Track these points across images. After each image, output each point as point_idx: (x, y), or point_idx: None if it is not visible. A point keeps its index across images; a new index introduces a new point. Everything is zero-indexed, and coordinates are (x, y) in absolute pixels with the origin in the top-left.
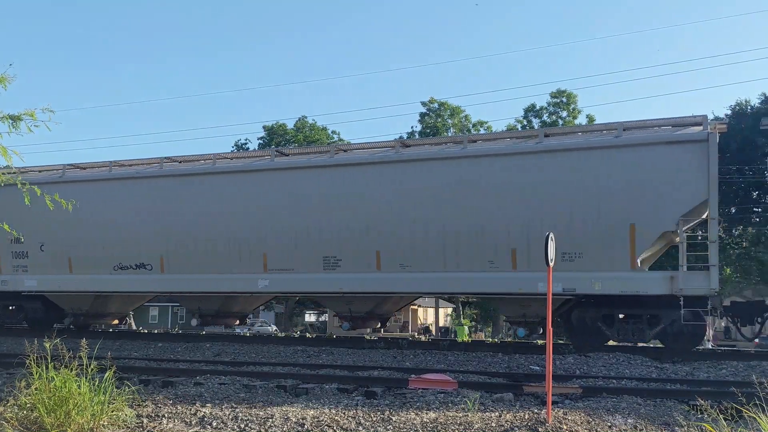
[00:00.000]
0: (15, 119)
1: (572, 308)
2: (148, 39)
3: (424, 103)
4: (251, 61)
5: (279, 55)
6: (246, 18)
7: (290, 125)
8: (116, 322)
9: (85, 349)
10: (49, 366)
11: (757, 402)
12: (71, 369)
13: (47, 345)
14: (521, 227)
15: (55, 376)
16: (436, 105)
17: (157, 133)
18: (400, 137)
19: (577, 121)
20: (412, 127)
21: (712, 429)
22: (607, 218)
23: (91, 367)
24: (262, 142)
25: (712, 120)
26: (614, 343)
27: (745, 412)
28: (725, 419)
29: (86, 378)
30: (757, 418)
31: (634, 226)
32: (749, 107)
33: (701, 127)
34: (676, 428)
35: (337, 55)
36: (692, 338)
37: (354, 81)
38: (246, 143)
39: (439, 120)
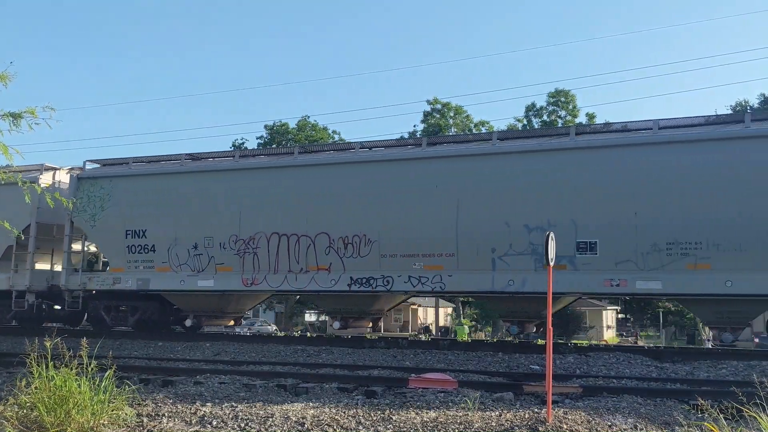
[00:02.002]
0: (16, 117)
1: None
2: (147, 38)
3: (429, 102)
4: (250, 61)
5: (278, 55)
6: (245, 18)
7: (290, 125)
8: (232, 322)
9: (86, 348)
10: (50, 365)
11: (758, 401)
12: (71, 368)
13: (47, 344)
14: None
15: (55, 376)
16: (439, 106)
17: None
18: (401, 137)
19: (577, 120)
20: (414, 126)
21: (714, 428)
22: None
23: (92, 366)
24: (262, 141)
25: None
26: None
27: (746, 412)
28: (725, 419)
29: (86, 377)
30: (758, 417)
31: None
32: (748, 107)
33: None
34: (677, 428)
35: (336, 55)
36: None
37: (354, 81)
38: (244, 142)
39: (442, 120)
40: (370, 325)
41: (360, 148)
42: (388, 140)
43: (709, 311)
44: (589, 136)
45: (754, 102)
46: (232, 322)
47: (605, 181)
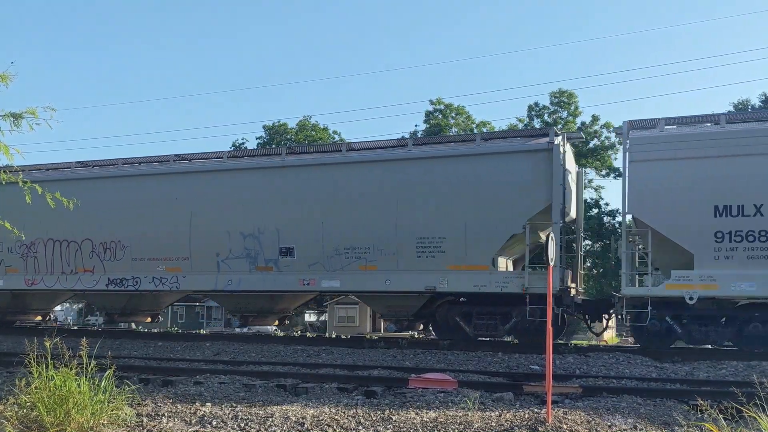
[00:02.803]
0: (16, 117)
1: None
2: (145, 38)
3: (432, 102)
4: (249, 61)
5: (275, 55)
6: (243, 18)
7: (289, 125)
8: (38, 318)
9: (85, 348)
10: (49, 365)
11: (758, 402)
12: (71, 368)
13: (47, 344)
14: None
15: (54, 375)
16: (442, 106)
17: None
18: (402, 137)
19: (579, 120)
20: (415, 126)
21: (713, 428)
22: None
23: (91, 366)
24: (261, 141)
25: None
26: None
27: (746, 412)
28: (725, 419)
29: (86, 377)
30: (758, 417)
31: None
32: (750, 107)
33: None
34: (676, 428)
35: (336, 55)
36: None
37: (355, 81)
38: (244, 142)
39: (444, 120)
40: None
41: (124, 164)
42: (150, 156)
43: (380, 305)
44: (300, 156)
45: (756, 101)
46: (38, 318)
47: (301, 194)
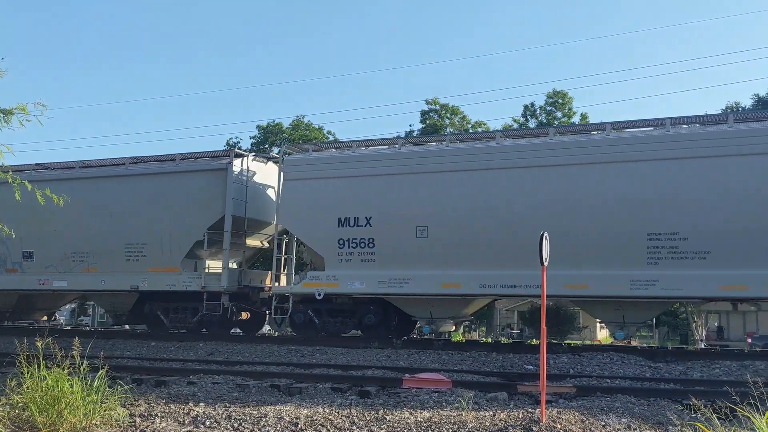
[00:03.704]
0: (6, 113)
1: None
2: (139, 38)
3: (428, 101)
4: (242, 61)
5: (270, 55)
6: (238, 18)
7: (285, 125)
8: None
9: (78, 348)
10: (41, 365)
11: (751, 401)
12: (63, 368)
13: (38, 344)
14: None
15: (47, 375)
16: (437, 106)
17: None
18: (398, 136)
19: (572, 121)
20: (410, 126)
21: (705, 428)
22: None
23: (84, 366)
24: (255, 141)
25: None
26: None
27: (739, 411)
28: (719, 418)
29: (79, 377)
30: (751, 417)
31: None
32: (740, 109)
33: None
34: (670, 427)
35: (330, 56)
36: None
37: (349, 80)
38: (238, 142)
39: (438, 119)
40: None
41: None
42: None
43: (102, 302)
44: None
45: (748, 103)
46: None
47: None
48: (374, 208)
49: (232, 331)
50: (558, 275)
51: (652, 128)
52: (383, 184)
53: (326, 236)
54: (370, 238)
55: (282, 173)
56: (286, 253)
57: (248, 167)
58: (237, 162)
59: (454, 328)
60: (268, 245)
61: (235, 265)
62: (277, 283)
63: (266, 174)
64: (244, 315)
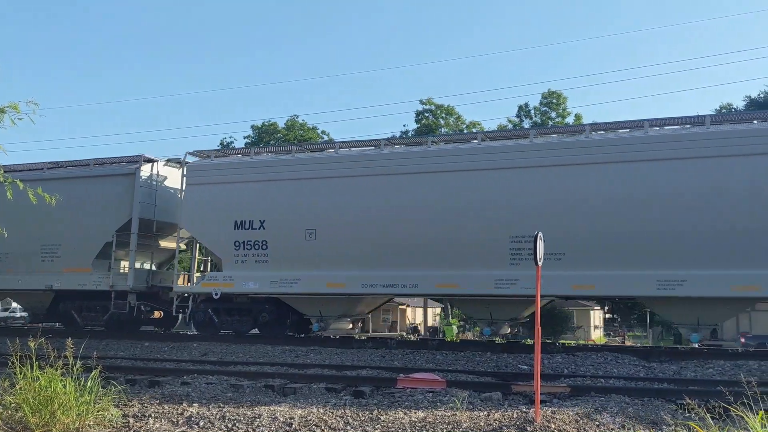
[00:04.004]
0: None
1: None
2: (132, 38)
3: (422, 102)
4: (238, 61)
5: (265, 55)
6: (233, 18)
7: (279, 125)
8: None
9: (71, 348)
10: (34, 365)
11: (745, 401)
12: (56, 369)
13: (31, 344)
14: None
15: (40, 376)
16: (432, 107)
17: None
18: (392, 136)
19: (566, 121)
20: (404, 126)
21: (699, 428)
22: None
23: (77, 366)
24: (249, 141)
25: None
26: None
27: (733, 411)
28: (713, 418)
29: (72, 378)
30: (745, 416)
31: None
32: (732, 110)
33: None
34: (664, 427)
35: (327, 56)
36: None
37: (344, 81)
38: (232, 142)
39: (433, 120)
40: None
41: None
42: None
43: (21, 301)
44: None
45: (740, 104)
46: None
47: None
48: (268, 212)
49: (143, 328)
50: (431, 275)
51: (517, 139)
52: (276, 190)
53: (223, 238)
54: (264, 241)
55: (185, 178)
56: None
57: (158, 172)
58: (146, 167)
59: (351, 326)
60: (185, 247)
61: (146, 266)
62: (184, 283)
63: (178, 179)
64: (157, 314)
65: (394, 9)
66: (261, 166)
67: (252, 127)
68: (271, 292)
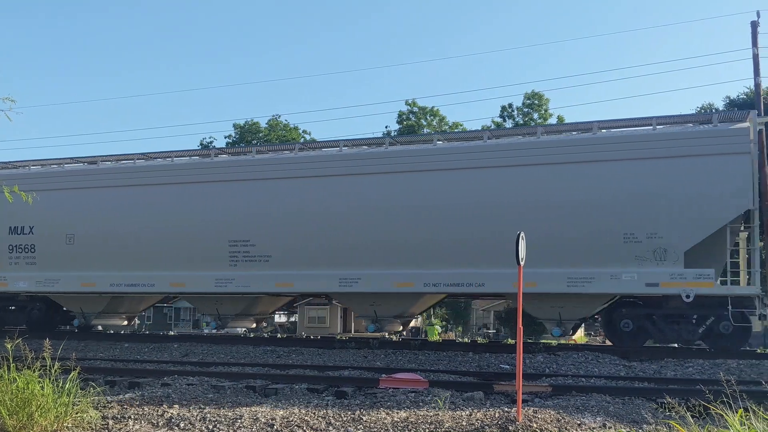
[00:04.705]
0: None
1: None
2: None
3: (407, 102)
4: (223, 61)
5: (253, 54)
6: (217, 18)
7: (261, 124)
8: None
9: (49, 349)
10: (11, 367)
11: (724, 399)
12: (34, 370)
13: (8, 345)
14: None
15: (17, 377)
16: (416, 108)
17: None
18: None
19: (549, 121)
20: (386, 127)
21: (679, 427)
22: None
23: (55, 368)
24: (230, 141)
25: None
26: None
27: (713, 410)
28: (693, 416)
29: (50, 379)
30: (725, 414)
31: None
32: (713, 110)
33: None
34: (644, 426)
35: (310, 56)
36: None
37: (328, 81)
38: (212, 141)
39: (416, 121)
40: None
41: None
42: None
43: None
44: None
45: (720, 104)
46: None
47: None
48: (35, 219)
49: None
50: (164, 276)
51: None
52: (42, 198)
53: (0, 242)
54: (32, 244)
55: None
56: None
57: None
58: None
59: (125, 322)
60: None
61: None
62: None
63: None
64: None
65: (379, 11)
66: (33, 177)
67: (234, 125)
68: (37, 290)
